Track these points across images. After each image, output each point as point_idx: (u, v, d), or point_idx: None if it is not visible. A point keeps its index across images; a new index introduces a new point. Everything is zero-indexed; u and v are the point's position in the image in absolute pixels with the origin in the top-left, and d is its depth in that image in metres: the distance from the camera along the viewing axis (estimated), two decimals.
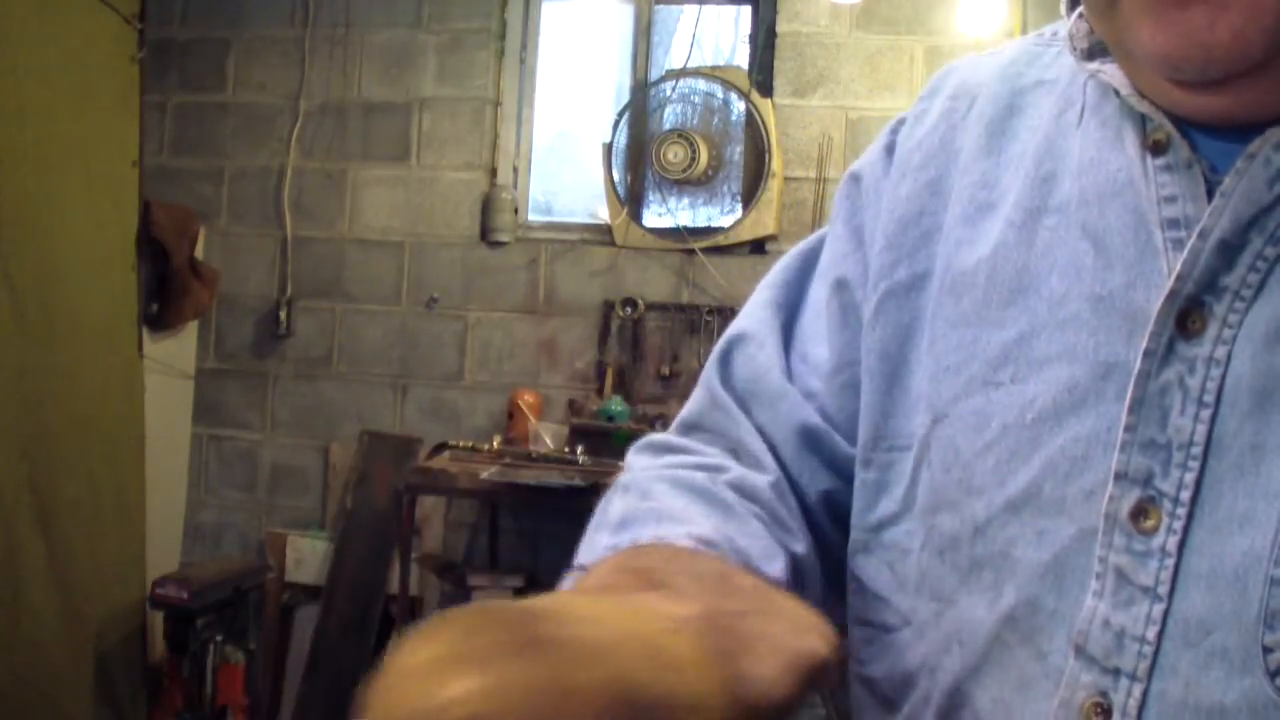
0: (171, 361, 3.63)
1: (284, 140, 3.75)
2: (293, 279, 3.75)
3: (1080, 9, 0.58)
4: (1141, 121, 0.56)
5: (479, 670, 0.38)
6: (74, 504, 2.95)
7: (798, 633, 0.50)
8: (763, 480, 0.68)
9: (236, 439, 3.81)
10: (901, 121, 0.72)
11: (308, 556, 3.61)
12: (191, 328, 3.75)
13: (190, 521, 3.81)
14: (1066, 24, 0.62)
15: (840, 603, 0.69)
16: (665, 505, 0.63)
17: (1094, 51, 0.58)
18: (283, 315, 3.73)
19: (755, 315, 0.75)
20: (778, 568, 0.62)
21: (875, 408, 0.66)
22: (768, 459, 0.69)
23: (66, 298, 2.96)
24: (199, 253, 3.68)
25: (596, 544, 0.62)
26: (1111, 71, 0.57)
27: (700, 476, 0.67)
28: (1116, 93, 0.57)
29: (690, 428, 0.74)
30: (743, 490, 0.66)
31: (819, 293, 0.73)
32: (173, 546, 3.73)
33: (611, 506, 0.65)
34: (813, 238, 0.76)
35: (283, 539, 3.66)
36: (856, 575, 0.66)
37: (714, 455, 0.70)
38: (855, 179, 0.73)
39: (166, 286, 3.48)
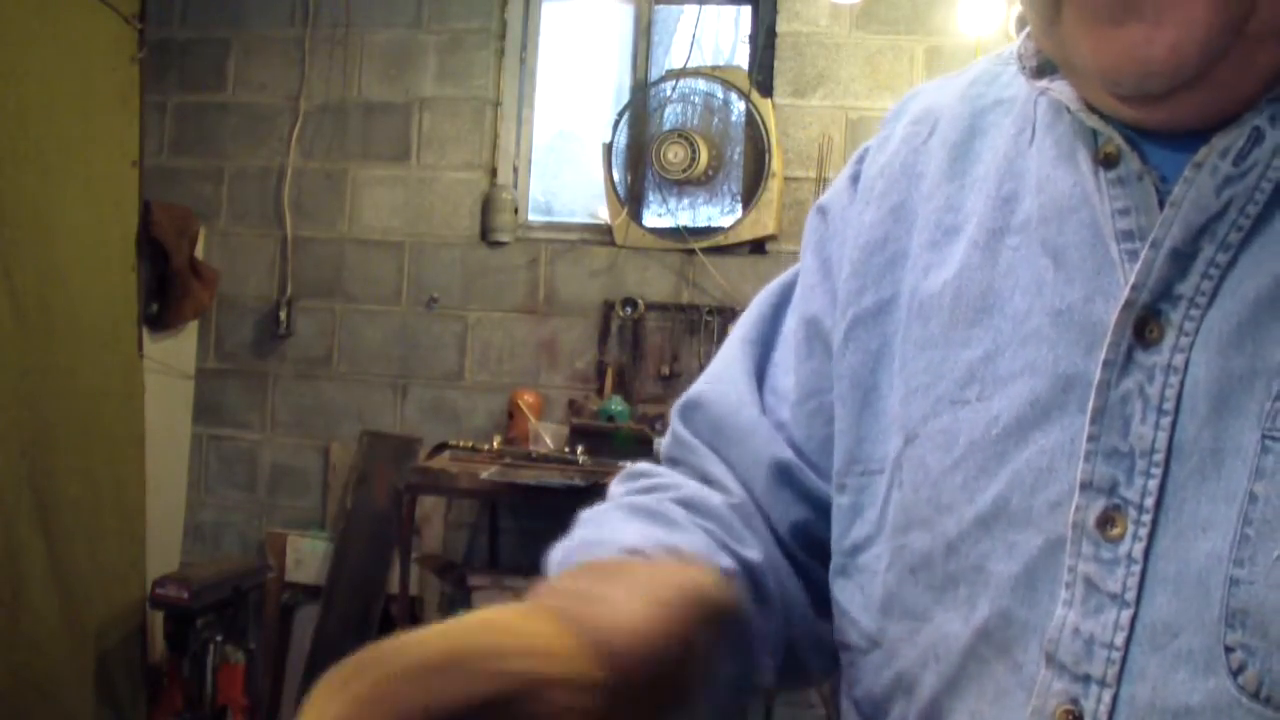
0: (171, 361, 3.64)
1: (284, 140, 3.75)
2: (293, 279, 3.75)
3: (1029, 28, 0.59)
4: (1093, 136, 0.57)
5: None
6: (74, 504, 2.96)
7: (663, 578, 0.52)
8: (718, 498, 0.70)
9: (236, 439, 3.82)
10: (866, 150, 0.73)
11: (308, 556, 3.62)
12: (191, 328, 3.76)
13: (190, 521, 3.82)
14: (1017, 43, 0.62)
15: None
16: (606, 532, 0.66)
17: (1043, 69, 0.59)
18: (283, 315, 3.73)
19: (728, 354, 0.77)
20: (725, 563, 0.64)
21: (848, 433, 0.67)
22: (733, 485, 0.72)
23: (66, 298, 2.96)
24: (199, 253, 3.68)
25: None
26: (1060, 88, 0.58)
27: (649, 498, 0.70)
28: (1067, 109, 0.58)
29: (669, 461, 0.77)
30: (690, 505, 0.69)
31: (790, 325, 0.75)
32: (173, 546, 3.73)
33: (560, 545, 0.68)
34: (789, 272, 0.78)
35: (283, 539, 3.66)
36: (836, 599, 0.67)
37: (682, 481, 0.73)
38: (822, 211, 0.75)
39: (166, 286, 3.49)
